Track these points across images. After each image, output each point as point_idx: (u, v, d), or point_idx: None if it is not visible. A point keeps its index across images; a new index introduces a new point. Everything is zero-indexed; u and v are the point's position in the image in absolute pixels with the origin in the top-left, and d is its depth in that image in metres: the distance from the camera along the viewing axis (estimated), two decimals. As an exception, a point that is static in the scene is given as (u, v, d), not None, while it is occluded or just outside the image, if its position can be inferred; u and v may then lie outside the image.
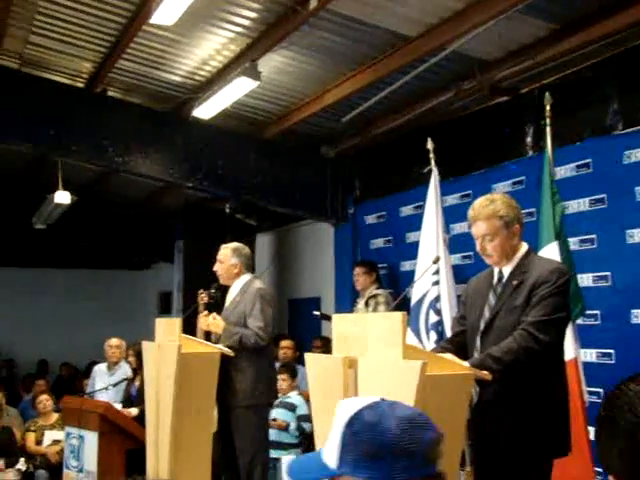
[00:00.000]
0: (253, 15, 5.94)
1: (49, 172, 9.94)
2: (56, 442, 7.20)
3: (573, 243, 5.42)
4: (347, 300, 8.08)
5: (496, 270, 3.53)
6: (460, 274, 5.89)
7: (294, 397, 6.75)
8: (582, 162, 5.75)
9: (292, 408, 6.64)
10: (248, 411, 5.18)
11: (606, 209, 5.56)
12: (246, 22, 6.06)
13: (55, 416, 7.52)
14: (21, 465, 7.09)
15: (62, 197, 9.55)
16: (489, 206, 3.44)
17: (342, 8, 5.61)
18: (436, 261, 4.57)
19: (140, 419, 5.85)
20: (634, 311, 5.32)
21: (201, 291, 5.74)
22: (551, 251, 4.68)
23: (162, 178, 8.30)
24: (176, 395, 4.77)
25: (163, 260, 13.61)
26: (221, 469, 5.41)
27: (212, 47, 6.60)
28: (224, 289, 5.62)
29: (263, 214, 10.16)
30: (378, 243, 8.21)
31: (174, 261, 11.40)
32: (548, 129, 5.03)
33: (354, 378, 3.13)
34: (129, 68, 7.34)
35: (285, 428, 6.52)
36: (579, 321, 4.94)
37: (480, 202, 3.49)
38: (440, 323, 5.53)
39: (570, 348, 4.44)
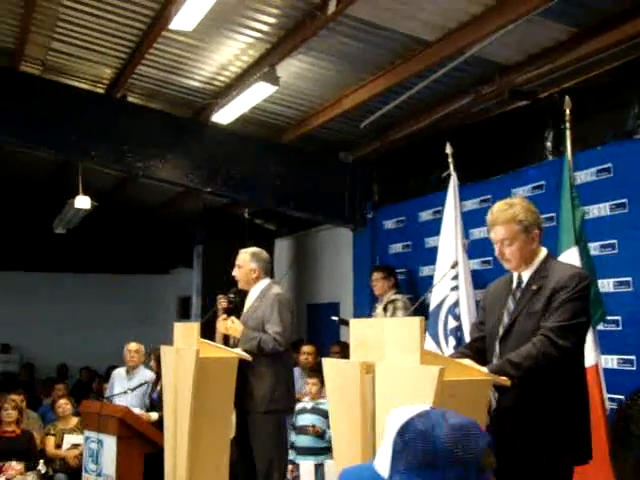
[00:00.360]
0: (272, 20, 5.96)
1: (70, 177, 10.02)
2: (75, 446, 7.23)
3: (594, 248, 5.36)
4: (366, 305, 8.06)
5: (515, 275, 3.50)
6: (479, 279, 5.86)
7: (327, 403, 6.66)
8: (602, 167, 5.70)
9: (326, 415, 6.55)
10: (266, 416, 5.18)
11: (627, 214, 5.50)
12: (265, 27, 6.08)
13: (74, 420, 7.55)
14: (41, 468, 7.13)
15: (82, 202, 9.61)
16: (508, 210, 3.42)
17: (360, 13, 5.61)
18: (454, 266, 4.55)
19: (160, 424, 5.86)
20: (656, 317, 5.27)
21: (220, 296, 5.74)
22: (571, 256, 4.65)
23: (181, 183, 8.33)
24: (194, 399, 4.78)
25: (182, 265, 13.67)
26: (239, 474, 5.40)
27: (231, 52, 6.62)
28: (243, 294, 5.63)
29: (282, 219, 10.19)
30: (397, 248, 8.19)
31: (193, 266, 11.43)
32: (568, 133, 4.99)
33: (372, 383, 3.12)
34: (149, 74, 7.38)
35: (321, 435, 6.38)
36: (600, 327, 4.89)
37: (499, 206, 3.47)
38: (459, 328, 5.50)
39: (591, 354, 4.40)
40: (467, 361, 3.21)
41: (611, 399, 4.72)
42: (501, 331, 3.41)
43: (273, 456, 5.19)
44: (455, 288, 5.59)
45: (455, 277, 5.55)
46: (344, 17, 5.66)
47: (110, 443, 6.05)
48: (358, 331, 3.37)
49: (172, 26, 5.73)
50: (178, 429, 4.96)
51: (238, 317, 5.38)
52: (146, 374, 7.45)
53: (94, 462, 6.23)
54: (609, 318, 5.12)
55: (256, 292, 5.42)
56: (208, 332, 5.53)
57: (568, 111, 5.00)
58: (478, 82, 6.45)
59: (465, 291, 5.62)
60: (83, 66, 7.57)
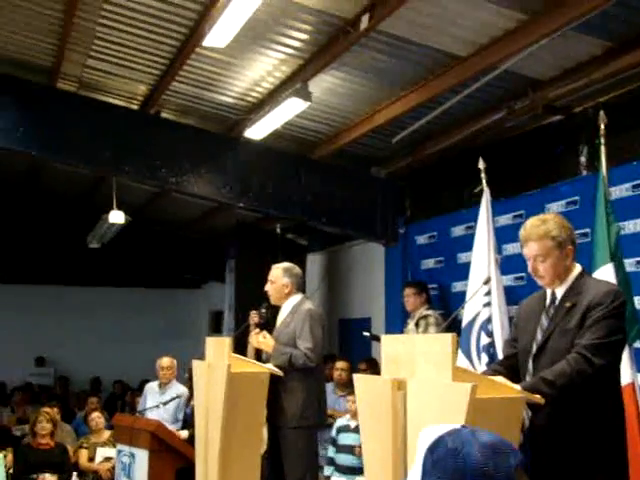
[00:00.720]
0: (304, 37, 5.99)
1: (104, 192, 10.14)
2: (108, 459, 7.27)
3: (629, 264, 5.29)
4: (398, 321, 8.02)
5: (549, 292, 3.46)
6: (512, 295, 5.81)
7: None
8: (638, 182, 5.62)
9: None
10: (297, 432, 5.16)
11: (663, 230, 5.43)
12: (297, 44, 6.11)
13: (107, 433, 7.60)
14: (75, 481, 7.19)
15: (116, 217, 9.72)
16: (541, 226, 3.38)
17: (393, 28, 5.61)
18: (487, 282, 4.51)
19: (191, 441, 5.88)
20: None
21: (253, 312, 5.75)
22: (606, 272, 4.59)
23: (214, 198, 8.38)
24: (225, 414, 4.78)
25: (214, 280, 13.73)
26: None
27: (264, 68, 6.66)
28: (275, 309, 5.63)
29: (314, 234, 10.19)
30: (429, 263, 8.15)
31: (225, 280, 11.47)
32: (602, 148, 4.94)
33: (403, 400, 3.09)
34: (182, 90, 7.45)
35: None
36: (637, 344, 4.81)
37: (532, 222, 3.44)
38: (492, 345, 5.45)
39: (627, 372, 4.33)
40: (500, 378, 3.18)
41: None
42: (534, 348, 3.37)
43: (304, 471, 5.17)
44: (488, 304, 5.54)
45: (488, 293, 5.50)
46: (376, 33, 5.67)
47: (142, 457, 6.08)
48: (389, 347, 3.36)
49: (205, 43, 5.80)
50: (209, 443, 4.97)
51: (270, 332, 5.38)
52: (179, 388, 7.48)
53: (126, 476, 6.26)
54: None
55: (288, 307, 5.42)
56: (240, 347, 5.54)
57: (603, 126, 4.95)
58: (511, 97, 6.41)
59: (498, 307, 5.57)
60: (118, 83, 7.67)
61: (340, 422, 6.41)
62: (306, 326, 5.18)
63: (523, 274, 6.14)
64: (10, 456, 7.46)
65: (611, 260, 4.68)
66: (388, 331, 8.01)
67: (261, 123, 7.19)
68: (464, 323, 5.69)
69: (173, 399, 7.20)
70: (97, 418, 7.71)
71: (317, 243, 10.72)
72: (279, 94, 6.81)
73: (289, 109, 6.71)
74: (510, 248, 6.51)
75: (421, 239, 8.32)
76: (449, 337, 2.97)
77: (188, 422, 6.82)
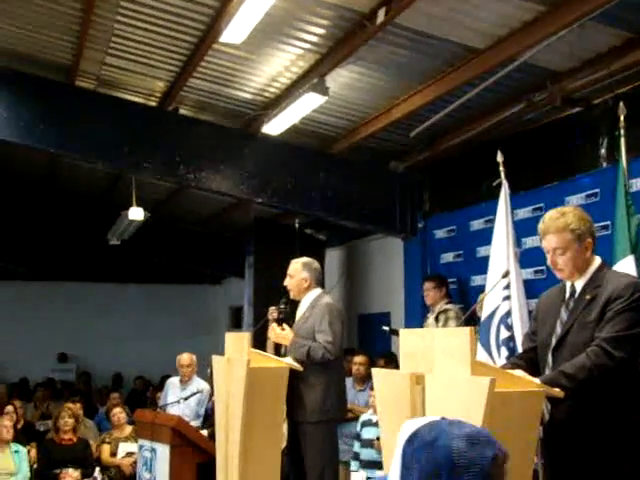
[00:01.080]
0: (321, 31, 5.98)
1: (123, 189, 10.20)
2: (130, 454, 7.32)
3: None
4: (417, 315, 8.01)
5: (568, 285, 3.44)
6: (532, 289, 5.78)
7: None
8: (659, 173, 5.58)
9: None
10: (317, 426, 5.17)
11: (685, 221, 5.36)
12: (314, 38, 6.11)
13: (129, 428, 7.66)
14: (97, 475, 7.24)
15: (136, 213, 9.77)
16: (560, 219, 3.36)
17: (410, 22, 5.59)
18: (505, 275, 4.48)
19: (212, 437, 5.90)
20: None
21: (272, 307, 5.76)
22: (626, 265, 4.55)
23: (232, 194, 8.41)
24: (245, 409, 4.80)
25: (234, 275, 13.77)
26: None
27: (281, 64, 6.66)
28: (294, 304, 5.64)
29: (332, 229, 10.19)
30: (448, 257, 8.12)
31: (244, 276, 11.50)
32: (622, 140, 4.90)
33: (422, 394, 3.09)
34: (200, 86, 7.47)
35: None
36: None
37: (551, 215, 3.41)
38: (511, 339, 5.42)
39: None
40: (519, 372, 3.16)
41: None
42: (554, 342, 3.35)
43: (324, 466, 5.17)
44: (507, 298, 5.51)
45: (507, 287, 5.47)
46: (393, 26, 5.65)
47: (163, 452, 6.11)
48: (408, 341, 3.35)
49: (222, 39, 5.80)
50: (229, 438, 4.99)
51: (289, 327, 5.39)
52: (200, 384, 7.51)
53: (148, 470, 6.30)
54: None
55: (307, 302, 5.42)
56: (259, 342, 5.55)
57: (622, 117, 4.91)
58: (530, 89, 6.37)
59: (517, 301, 5.53)
60: (136, 80, 7.70)
61: (364, 417, 6.42)
62: (325, 320, 5.18)
63: (543, 267, 6.11)
64: (34, 451, 7.54)
65: (632, 252, 4.64)
66: (407, 325, 8.00)
67: (279, 118, 7.19)
68: (483, 317, 5.66)
69: (194, 394, 7.24)
70: (119, 413, 7.76)
71: (336, 238, 10.71)
72: (296, 89, 6.80)
73: (306, 104, 6.70)
74: (530, 241, 6.48)
75: (440, 233, 8.29)
76: (467, 331, 2.96)
77: (209, 418, 6.85)
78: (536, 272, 6.46)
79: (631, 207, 4.77)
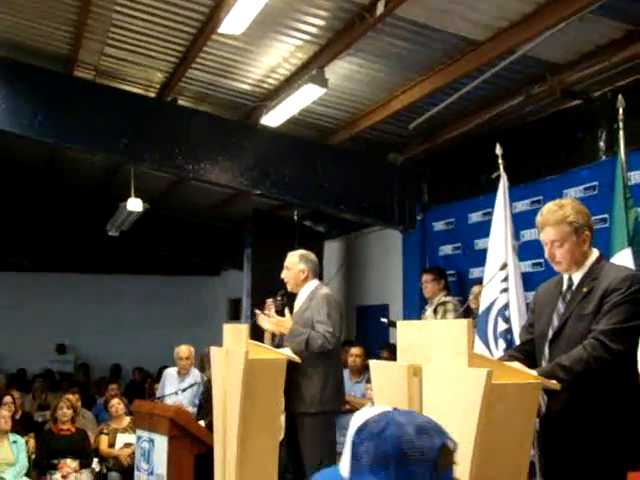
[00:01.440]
0: (320, 23, 5.97)
1: (122, 180, 10.19)
2: (128, 445, 7.33)
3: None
4: (415, 307, 8.02)
5: (565, 277, 3.44)
6: (530, 281, 5.78)
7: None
8: (658, 167, 5.58)
9: None
10: (315, 418, 5.17)
11: (683, 215, 5.36)
12: (313, 30, 6.09)
13: (127, 419, 7.66)
14: (95, 466, 7.26)
15: (134, 205, 9.76)
16: (558, 212, 3.36)
17: (409, 14, 5.58)
18: (503, 267, 4.49)
19: (209, 428, 5.91)
20: None
21: (270, 300, 5.74)
22: (624, 258, 4.55)
23: (231, 185, 8.40)
24: (243, 401, 4.80)
25: (232, 267, 13.78)
26: (288, 477, 5.41)
27: (280, 55, 6.65)
28: (291, 296, 5.63)
29: (331, 221, 10.19)
30: (446, 250, 8.13)
31: (243, 268, 11.51)
32: (621, 133, 4.89)
33: (419, 386, 3.09)
34: (199, 77, 7.46)
35: None
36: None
37: (549, 208, 3.41)
38: (509, 331, 5.43)
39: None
40: (516, 364, 3.17)
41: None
42: (551, 334, 3.35)
43: (322, 457, 5.17)
44: (505, 290, 5.52)
45: (505, 279, 5.48)
46: (393, 18, 5.64)
47: (161, 443, 6.12)
48: (405, 333, 3.35)
49: (221, 30, 5.79)
50: (227, 430, 4.99)
51: (287, 318, 5.38)
52: (197, 375, 7.52)
53: (146, 461, 6.31)
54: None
55: (305, 293, 5.42)
56: (257, 334, 5.55)
57: (621, 110, 4.90)
58: (529, 82, 6.37)
59: (515, 293, 5.54)
60: (135, 70, 7.69)
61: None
62: (324, 310, 5.17)
63: (541, 260, 6.11)
64: (32, 442, 7.55)
65: (629, 245, 4.65)
66: (406, 318, 8.01)
67: (278, 110, 7.18)
68: (481, 309, 5.67)
69: (191, 386, 7.25)
70: (117, 404, 7.77)
71: (334, 230, 10.72)
72: (295, 81, 6.79)
73: (305, 95, 6.69)
74: (528, 234, 6.49)
75: (439, 225, 8.30)
76: (465, 323, 2.96)
77: (202, 408, 6.86)
78: (534, 265, 6.47)
79: (629, 200, 4.77)
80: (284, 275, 5.48)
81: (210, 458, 5.29)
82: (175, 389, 7.28)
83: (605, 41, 5.63)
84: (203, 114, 8.16)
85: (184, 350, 7.58)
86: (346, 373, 7.09)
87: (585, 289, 3.30)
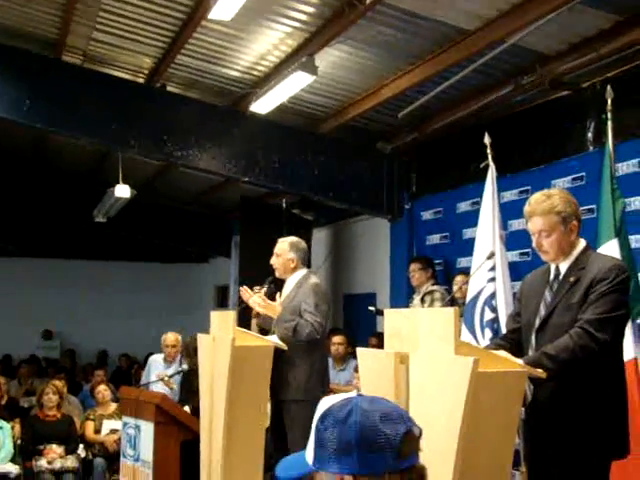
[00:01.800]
0: (310, 10, 5.95)
1: (110, 166, 10.14)
2: (114, 431, 7.33)
3: (634, 241, 5.27)
4: (403, 296, 8.04)
5: (553, 266, 3.46)
6: (517, 271, 5.80)
7: None
8: (645, 158, 5.60)
9: None
10: (301, 405, 5.18)
11: (670, 206, 5.40)
12: (303, 17, 6.07)
13: (113, 406, 7.66)
14: (80, 452, 7.25)
15: (122, 191, 9.72)
16: (546, 201, 3.37)
17: (399, 2, 5.58)
18: (490, 257, 4.49)
19: (195, 414, 5.91)
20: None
21: (257, 288, 5.73)
22: (611, 248, 4.57)
23: (220, 172, 8.38)
24: (230, 387, 4.80)
25: (220, 254, 13.76)
26: (273, 463, 5.42)
27: (270, 42, 6.63)
28: (278, 282, 5.62)
29: (319, 209, 10.18)
30: (434, 239, 8.15)
31: (231, 255, 11.49)
32: (609, 123, 4.90)
33: (406, 374, 3.10)
34: (188, 63, 7.43)
35: None
36: (639, 321, 4.80)
37: (537, 197, 3.42)
38: (495, 320, 5.45)
39: (630, 348, 4.33)
40: (503, 353, 3.18)
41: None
42: (537, 323, 3.37)
43: (307, 444, 5.18)
44: (492, 280, 5.53)
45: (492, 269, 5.49)
46: (383, 6, 5.63)
47: (147, 429, 6.11)
48: (392, 321, 3.36)
49: (211, 16, 5.76)
50: (214, 417, 5.00)
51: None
52: (184, 363, 7.50)
53: (132, 447, 6.30)
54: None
55: (293, 281, 5.42)
56: (244, 322, 5.54)
57: (610, 101, 4.91)
58: (518, 72, 6.37)
59: (502, 283, 5.56)
60: (123, 56, 7.64)
61: None
62: (312, 300, 5.17)
63: (528, 250, 6.14)
64: (18, 427, 7.53)
65: (616, 236, 4.66)
66: (393, 306, 8.01)
67: (267, 97, 7.16)
68: (468, 298, 5.69)
69: (178, 373, 7.23)
70: (103, 391, 7.76)
71: (322, 218, 10.71)
72: (285, 68, 6.77)
73: (295, 83, 6.67)
74: (516, 224, 6.51)
75: (426, 214, 8.31)
76: (451, 311, 2.97)
77: (184, 393, 6.87)
78: (521, 254, 6.50)
79: (616, 191, 4.78)
80: (273, 261, 5.48)
81: (197, 445, 5.29)
82: (162, 376, 7.26)
83: (594, 32, 5.64)
84: (192, 100, 8.12)
85: (171, 338, 7.55)
86: (330, 361, 7.11)
87: (572, 279, 3.31)
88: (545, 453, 3.34)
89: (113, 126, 7.59)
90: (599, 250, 4.41)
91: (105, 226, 12.13)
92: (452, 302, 5.98)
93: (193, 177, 10.15)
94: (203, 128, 7.96)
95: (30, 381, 10.53)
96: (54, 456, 6.99)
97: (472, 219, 6.63)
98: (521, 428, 3.49)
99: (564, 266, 3.39)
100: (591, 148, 6.12)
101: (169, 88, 8.03)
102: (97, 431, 7.49)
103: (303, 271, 5.45)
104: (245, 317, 5.87)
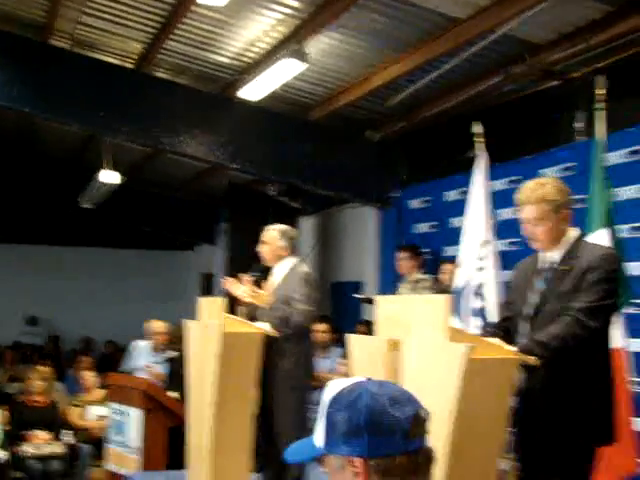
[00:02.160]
0: (302, -4, 5.92)
1: (96, 152, 10.08)
2: (101, 418, 7.31)
3: (624, 231, 5.30)
4: (390, 284, 8.04)
5: (544, 255, 3.47)
6: (506, 260, 5.81)
7: None
8: (634, 148, 5.63)
9: None
10: (289, 393, 5.18)
11: (658, 196, 5.44)
12: (295, 3, 6.04)
13: (99, 392, 7.64)
14: (68, 438, 7.23)
15: (107, 176, 9.66)
16: (538, 190, 3.38)
17: (391, -11, 5.56)
18: (484, 245, 4.50)
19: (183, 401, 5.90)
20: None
21: (246, 277, 5.70)
22: (600, 238, 4.59)
23: (207, 159, 8.34)
24: (219, 374, 4.79)
25: (205, 242, 13.73)
26: (261, 450, 5.42)
27: (260, 29, 6.59)
28: (265, 270, 5.59)
29: (307, 197, 10.17)
30: (422, 228, 8.16)
31: (216, 243, 11.46)
32: (599, 114, 4.92)
33: (398, 360, 3.11)
34: (177, 49, 7.38)
35: None
36: (630, 310, 4.84)
37: (529, 186, 3.43)
38: (483, 309, 5.47)
39: (617, 337, 4.36)
40: (495, 340, 3.20)
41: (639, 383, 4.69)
42: (531, 311, 3.39)
43: (295, 432, 5.19)
44: (482, 268, 5.55)
45: (482, 257, 5.51)
46: (374, -7, 5.61)
47: (134, 416, 6.11)
48: (384, 308, 3.37)
49: (201, 1, 5.73)
50: (202, 403, 4.99)
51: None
52: (172, 352, 7.47)
53: (119, 434, 6.30)
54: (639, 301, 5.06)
55: (283, 270, 5.38)
56: (231, 308, 5.53)
57: (600, 92, 4.92)
58: (509, 61, 6.37)
59: (492, 272, 5.57)
60: (112, 40, 7.58)
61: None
62: (304, 290, 5.15)
63: (518, 239, 6.14)
64: (6, 413, 7.50)
65: (605, 226, 4.69)
66: (381, 294, 8.01)
67: (257, 84, 7.12)
68: (457, 286, 5.70)
69: (166, 360, 7.22)
70: (89, 377, 7.74)
71: (310, 206, 10.69)
72: (275, 55, 6.73)
73: (285, 70, 6.63)
74: (505, 213, 6.51)
75: (415, 203, 8.32)
76: (443, 298, 2.98)
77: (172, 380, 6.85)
78: (511, 244, 6.51)
79: (606, 181, 4.81)
80: (261, 249, 5.45)
81: (183, 431, 5.29)
82: (149, 362, 7.24)
83: (585, 22, 5.64)
84: (181, 86, 8.08)
85: (159, 325, 7.48)
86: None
87: (564, 267, 3.33)
88: (534, 440, 3.36)
89: (101, 111, 7.54)
90: (589, 239, 4.43)
91: (91, 213, 12.06)
92: (442, 290, 5.98)
93: (180, 163, 10.11)
94: (191, 114, 7.92)
95: (14, 367, 10.49)
96: (40, 442, 6.97)
97: (460, 208, 6.63)
98: (510, 415, 3.51)
99: (556, 255, 3.40)
100: (581, 138, 6.13)
101: (158, 74, 7.98)
102: (83, 417, 7.46)
103: (293, 259, 5.42)
104: (232, 305, 5.85)
